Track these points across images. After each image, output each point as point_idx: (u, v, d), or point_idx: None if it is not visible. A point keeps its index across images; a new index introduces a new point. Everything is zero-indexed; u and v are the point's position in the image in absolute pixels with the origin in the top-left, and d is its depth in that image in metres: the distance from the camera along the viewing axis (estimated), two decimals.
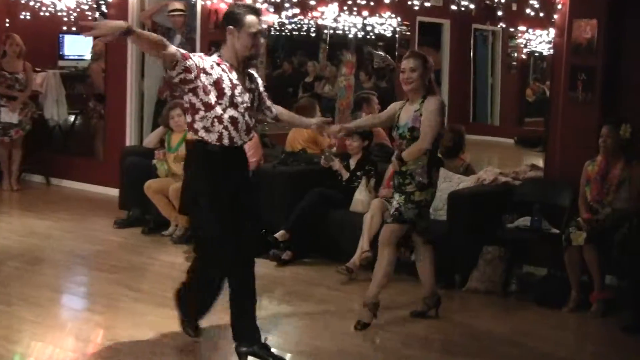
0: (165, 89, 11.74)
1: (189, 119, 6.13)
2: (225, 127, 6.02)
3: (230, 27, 6.14)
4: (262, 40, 6.43)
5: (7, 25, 13.41)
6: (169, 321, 7.01)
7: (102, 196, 12.23)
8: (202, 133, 6.03)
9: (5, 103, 12.46)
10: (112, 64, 12.55)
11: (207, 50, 11.27)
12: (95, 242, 9.87)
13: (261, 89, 6.46)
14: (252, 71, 6.41)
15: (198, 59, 5.96)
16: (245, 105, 6.13)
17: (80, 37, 14.16)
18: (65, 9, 13.11)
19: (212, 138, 6.01)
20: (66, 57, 14.43)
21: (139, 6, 12.14)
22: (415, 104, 7.03)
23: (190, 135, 6.18)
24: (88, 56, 13.80)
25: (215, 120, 6.02)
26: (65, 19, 13.23)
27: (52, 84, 13.29)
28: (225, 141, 6.02)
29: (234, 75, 6.10)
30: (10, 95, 12.47)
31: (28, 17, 13.30)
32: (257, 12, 6.22)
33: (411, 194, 7.00)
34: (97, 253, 9.41)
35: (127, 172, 10.68)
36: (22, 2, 13.24)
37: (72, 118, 13.95)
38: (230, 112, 6.04)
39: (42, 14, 13.26)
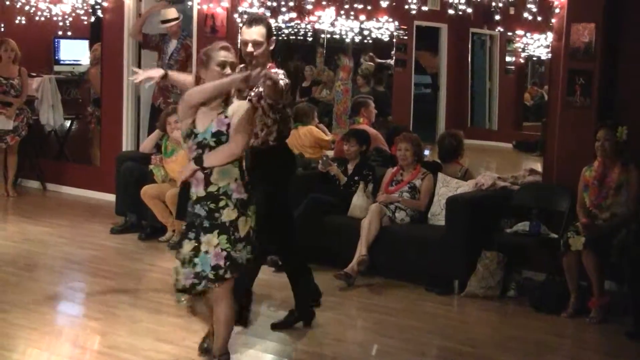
0: (159, 95, 11.73)
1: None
2: None
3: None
4: (247, 49, 6.57)
5: (2, 30, 13.41)
6: (166, 328, 7.07)
7: (99, 202, 12.22)
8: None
9: (0, 109, 12.46)
10: (109, 69, 12.53)
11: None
12: (91, 247, 9.86)
13: None
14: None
15: None
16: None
17: (76, 42, 14.17)
18: (60, 13, 13.08)
19: None
20: (62, 62, 14.42)
21: (135, 12, 12.14)
22: (219, 107, 5.86)
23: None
24: (84, 61, 13.81)
25: None
26: (61, 24, 13.21)
27: (48, 89, 13.27)
28: None
29: None
30: (5, 101, 12.45)
31: (23, 22, 13.28)
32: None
33: (232, 227, 5.78)
34: (93, 259, 9.41)
35: (123, 177, 10.67)
36: (17, 6, 13.22)
37: (68, 123, 13.94)
38: None
39: (37, 18, 13.24)
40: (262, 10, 11.29)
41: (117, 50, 12.33)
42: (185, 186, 9.21)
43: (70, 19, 13.07)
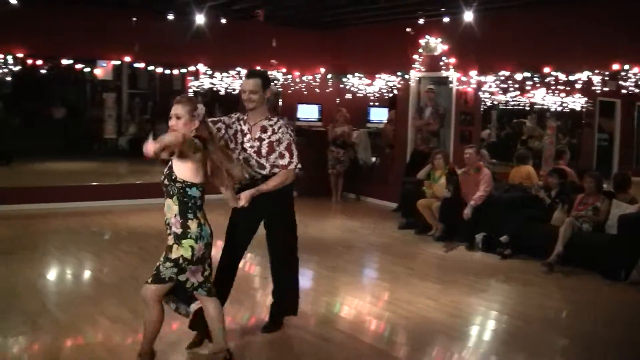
0: (422, 143, 11.61)
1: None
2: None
3: None
4: (244, 96, 5.09)
5: (338, 101, 13.84)
6: (432, 290, 7.01)
7: (389, 207, 12.34)
8: None
9: (334, 148, 12.90)
10: (399, 125, 12.69)
11: (459, 115, 11.17)
12: (384, 237, 9.98)
13: (272, 138, 5.13)
14: (270, 123, 5.17)
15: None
16: (253, 149, 5.15)
17: (380, 109, 14.38)
18: (372, 91, 13.35)
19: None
20: (371, 121, 14.69)
21: (417, 89, 12.23)
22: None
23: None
24: (384, 120, 13.99)
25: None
26: (372, 97, 13.48)
27: (362, 138, 13.54)
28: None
29: (245, 126, 5.20)
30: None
31: (349, 97, 13.65)
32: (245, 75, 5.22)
33: (169, 249, 4.43)
34: (385, 244, 9.51)
35: (406, 194, 10.71)
36: (347, 87, 13.61)
37: (373, 159, 14.14)
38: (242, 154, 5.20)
39: (358, 94, 13.58)
40: (496, 89, 11.00)
41: (404, 114, 12.42)
42: (445, 201, 9.15)
43: (378, 94, 13.31)
